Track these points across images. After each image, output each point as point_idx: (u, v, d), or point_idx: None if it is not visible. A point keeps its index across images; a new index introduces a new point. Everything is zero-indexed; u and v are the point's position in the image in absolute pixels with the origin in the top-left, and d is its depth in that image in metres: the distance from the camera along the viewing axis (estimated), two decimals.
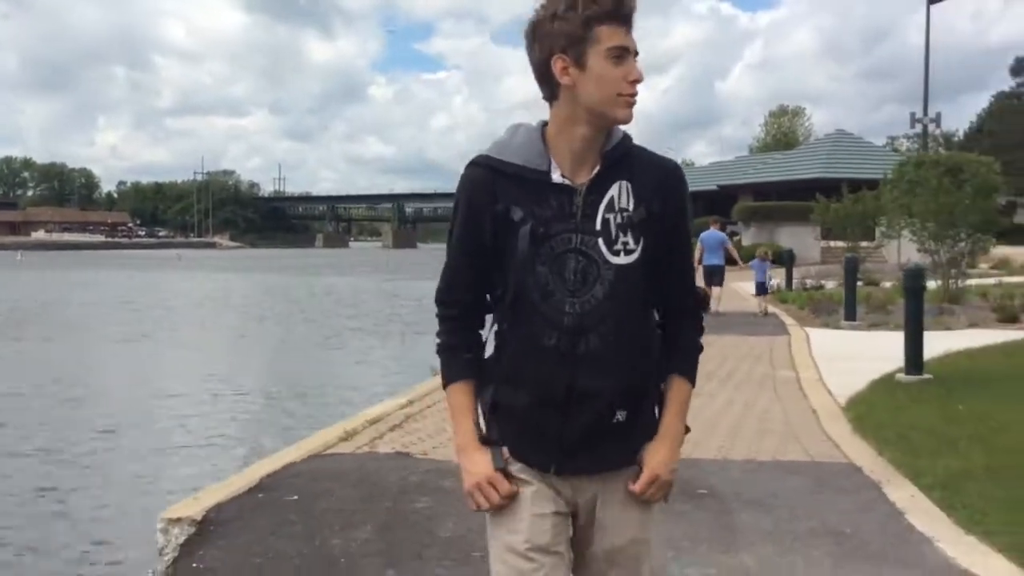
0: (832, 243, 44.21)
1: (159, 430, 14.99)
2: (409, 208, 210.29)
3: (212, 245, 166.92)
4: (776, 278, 27.48)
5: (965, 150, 64.62)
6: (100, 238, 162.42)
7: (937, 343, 15.28)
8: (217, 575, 5.55)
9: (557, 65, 2.64)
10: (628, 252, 2.68)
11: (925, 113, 57.58)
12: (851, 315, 20.99)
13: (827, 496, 7.32)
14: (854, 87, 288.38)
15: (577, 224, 2.67)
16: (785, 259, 33.10)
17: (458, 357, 2.83)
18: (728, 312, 22.74)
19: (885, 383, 12.54)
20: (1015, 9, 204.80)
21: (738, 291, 28.13)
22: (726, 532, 6.17)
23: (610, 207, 2.69)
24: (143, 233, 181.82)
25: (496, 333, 2.80)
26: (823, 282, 31.16)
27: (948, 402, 10.95)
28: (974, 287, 26.71)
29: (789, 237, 48.41)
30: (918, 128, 58.67)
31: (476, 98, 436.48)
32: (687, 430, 2.87)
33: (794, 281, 31.72)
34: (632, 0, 2.64)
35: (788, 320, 22.19)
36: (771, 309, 24.05)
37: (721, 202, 65.27)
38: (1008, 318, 20.77)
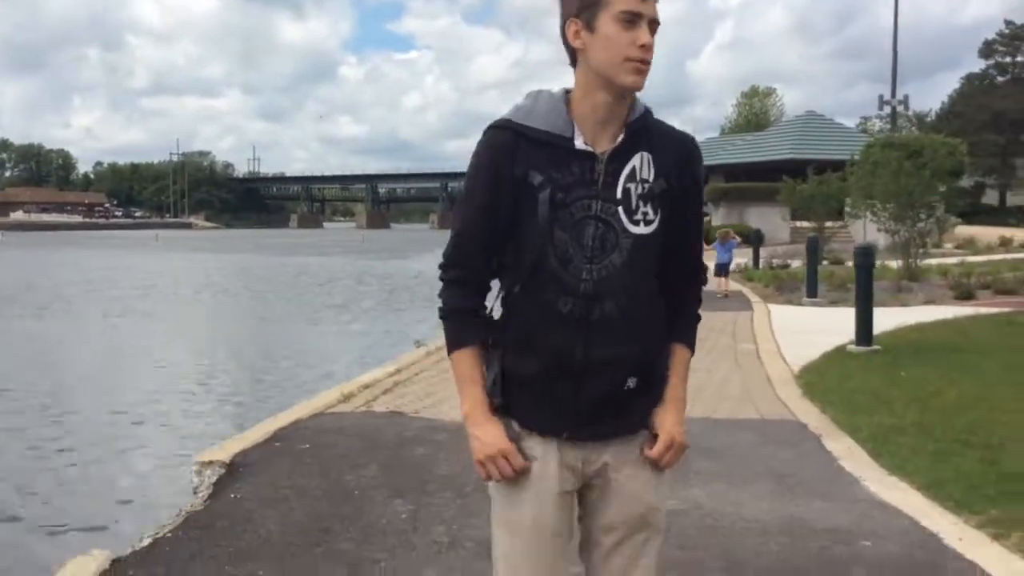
0: (798, 224, 45.12)
1: (158, 398, 15.86)
2: (383, 189, 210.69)
3: (188, 226, 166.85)
4: (738, 258, 28.03)
5: (936, 131, 65.64)
6: (78, 219, 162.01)
7: (891, 318, 16.38)
8: (252, 503, 6.52)
9: (571, 29, 2.69)
10: (648, 223, 2.72)
11: (893, 95, 58.72)
12: (812, 292, 22.01)
13: (773, 447, 8.35)
14: (827, 66, 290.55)
15: (598, 191, 2.69)
16: (752, 239, 34.09)
17: (467, 321, 2.83)
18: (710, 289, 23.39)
19: (837, 354, 13.58)
20: None
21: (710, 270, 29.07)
22: (683, 474, 7.11)
23: (631, 177, 2.72)
24: (120, 214, 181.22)
25: (504, 299, 2.82)
26: (789, 261, 32.00)
27: (892, 370, 11.97)
28: (936, 266, 27.61)
29: (758, 218, 49.45)
30: (897, 107, 59.87)
31: (447, 77, 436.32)
32: None
33: (761, 260, 32.82)
34: None
35: (753, 298, 23.19)
36: (735, 287, 24.87)
37: None
38: (963, 296, 21.59)
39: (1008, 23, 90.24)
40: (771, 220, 46.34)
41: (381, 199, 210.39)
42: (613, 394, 2.73)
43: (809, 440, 8.58)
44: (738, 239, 26.79)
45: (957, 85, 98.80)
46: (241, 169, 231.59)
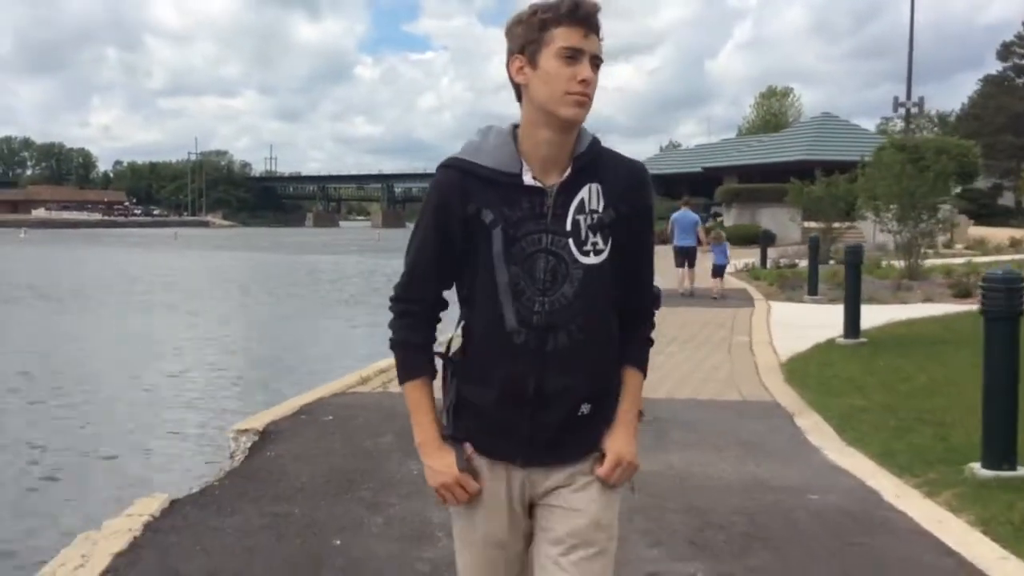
0: (807, 224, 45.84)
1: (185, 379, 16.95)
2: (398, 188, 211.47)
3: (206, 224, 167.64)
4: (747, 258, 28.37)
5: (956, 132, 66.31)
6: (97, 216, 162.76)
7: (885, 314, 17.31)
8: (285, 460, 7.55)
9: (514, 65, 2.75)
10: (597, 252, 2.76)
11: (908, 97, 59.37)
12: (813, 290, 22.76)
13: (747, 422, 9.30)
14: (849, 66, 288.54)
15: (547, 225, 2.74)
16: (761, 240, 34.87)
17: (416, 354, 2.90)
18: (700, 288, 23.91)
19: (825, 345, 14.50)
20: None
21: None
22: (661, 443, 8.05)
23: (580, 209, 2.76)
24: (139, 212, 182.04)
25: (464, 330, 2.86)
26: (797, 261, 32.59)
27: (873, 360, 12.88)
28: (941, 266, 28.12)
29: (770, 219, 50.29)
30: (914, 109, 60.49)
31: (463, 78, 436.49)
32: (640, 415, 3.00)
33: (769, 260, 33.67)
34: (590, 4, 2.70)
35: (756, 295, 24.03)
36: (740, 286, 25.62)
37: (706, 184, 67.16)
38: (961, 294, 22.00)
39: None
40: (782, 221, 46.99)
41: (397, 198, 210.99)
42: (567, 421, 2.80)
43: (782, 417, 9.53)
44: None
45: (977, 87, 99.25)
46: (258, 168, 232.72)
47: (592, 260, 2.75)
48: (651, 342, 3.02)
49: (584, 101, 2.69)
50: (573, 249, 2.74)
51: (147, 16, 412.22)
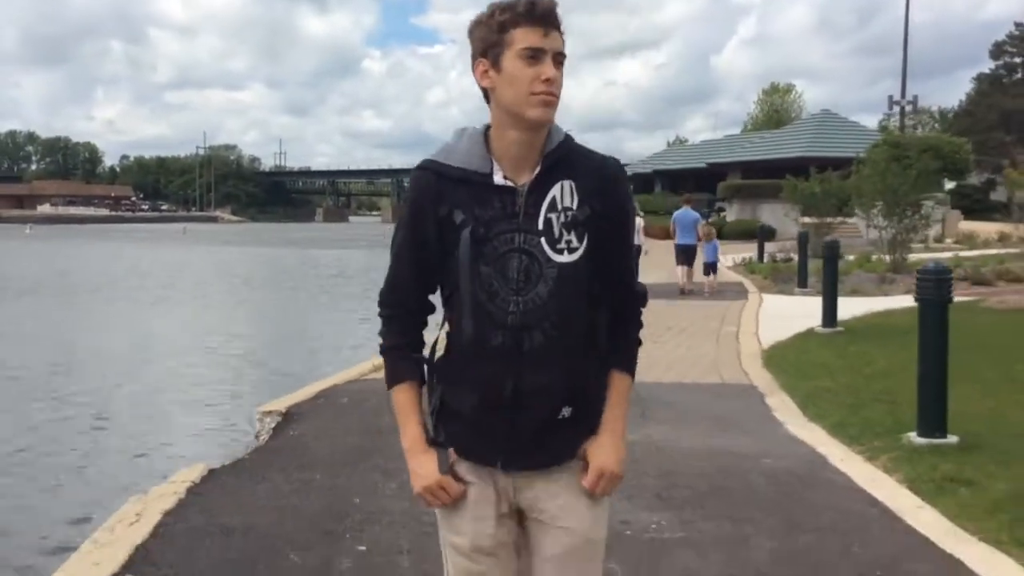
0: (804, 219, 46.71)
1: (210, 367, 18.08)
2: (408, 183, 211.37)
3: (214, 219, 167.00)
4: (744, 252, 29.05)
5: (951, 129, 67.11)
6: (104, 211, 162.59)
7: (865, 305, 18.30)
8: (307, 437, 8.66)
9: (479, 69, 2.75)
10: (572, 250, 2.72)
11: (903, 95, 60.47)
12: (803, 283, 23.80)
13: (722, 401, 10.38)
14: (851, 63, 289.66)
15: (519, 224, 2.71)
16: (759, 234, 35.85)
17: (402, 359, 2.90)
18: (698, 282, 24.51)
19: (805, 334, 15.54)
20: None
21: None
22: (641, 420, 9.05)
23: (552, 207, 2.72)
24: (146, 207, 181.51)
25: (447, 334, 2.86)
26: (792, 255, 33.59)
27: (846, 347, 13.88)
28: (928, 260, 28.83)
29: (770, 214, 51.44)
30: (908, 107, 61.46)
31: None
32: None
33: (765, 255, 34.74)
34: (547, 2, 2.68)
35: (751, 288, 25.10)
36: (736, 279, 26.61)
37: (710, 179, 68.19)
38: None
39: (1018, 24, 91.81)
40: (781, 216, 47.86)
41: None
42: (548, 424, 2.76)
43: (753, 397, 10.60)
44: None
45: (970, 84, 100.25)
46: (267, 163, 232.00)
47: (566, 258, 2.72)
48: (639, 342, 2.98)
49: (550, 100, 2.69)
50: (546, 247, 2.71)
51: (152, 9, 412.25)
